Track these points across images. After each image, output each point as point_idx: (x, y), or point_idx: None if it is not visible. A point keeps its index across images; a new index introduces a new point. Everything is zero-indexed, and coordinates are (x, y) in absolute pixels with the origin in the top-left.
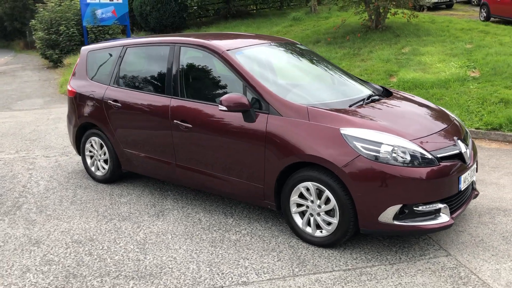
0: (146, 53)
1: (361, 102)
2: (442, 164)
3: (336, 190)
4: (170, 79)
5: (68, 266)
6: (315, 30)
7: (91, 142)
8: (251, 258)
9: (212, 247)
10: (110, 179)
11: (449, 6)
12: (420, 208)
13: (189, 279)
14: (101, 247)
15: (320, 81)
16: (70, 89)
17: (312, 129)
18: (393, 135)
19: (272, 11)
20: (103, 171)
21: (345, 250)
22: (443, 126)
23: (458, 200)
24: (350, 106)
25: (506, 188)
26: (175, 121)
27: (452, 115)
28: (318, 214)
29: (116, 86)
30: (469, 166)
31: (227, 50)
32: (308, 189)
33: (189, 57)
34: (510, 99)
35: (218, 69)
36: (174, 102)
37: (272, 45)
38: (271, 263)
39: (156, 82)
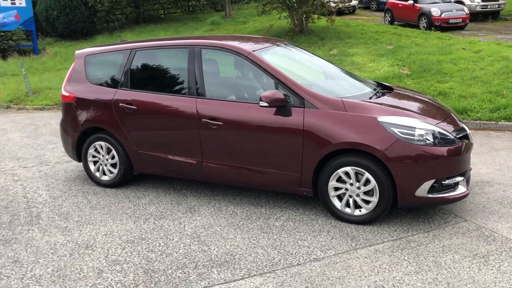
0: (160, 56)
1: (378, 95)
2: (460, 143)
3: (376, 172)
4: (193, 80)
5: (138, 264)
6: (239, 34)
7: (95, 147)
8: (307, 239)
9: (264, 233)
10: (120, 182)
11: (352, 12)
12: (446, 181)
13: (266, 261)
14: (158, 244)
15: (331, 78)
16: (67, 94)
17: (350, 119)
18: (421, 120)
19: (183, 16)
20: (110, 175)
21: (381, 225)
22: (448, 112)
23: (467, 173)
24: (370, 98)
25: (477, 165)
26: (203, 119)
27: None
28: (358, 195)
29: (127, 89)
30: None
31: (253, 51)
32: (346, 173)
33: (210, 58)
34: (447, 91)
35: (243, 69)
36: (200, 102)
37: (282, 45)
38: (328, 241)
39: (176, 84)
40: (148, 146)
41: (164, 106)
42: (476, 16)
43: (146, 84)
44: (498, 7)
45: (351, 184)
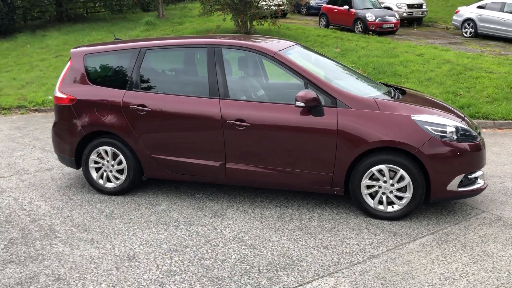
0: (174, 55)
1: (397, 95)
2: (479, 139)
3: (410, 169)
4: (215, 80)
5: (198, 272)
6: (179, 35)
7: (98, 152)
8: (352, 237)
9: (307, 234)
10: (127, 189)
11: (284, 15)
12: (471, 176)
13: (326, 261)
14: (205, 251)
15: (349, 78)
16: (63, 96)
17: (385, 118)
18: (449, 118)
19: (108, 15)
20: (117, 182)
21: (412, 220)
22: (460, 113)
23: None
24: (392, 98)
25: None
26: (228, 121)
27: None
28: (391, 192)
29: (138, 90)
30: None
31: (279, 51)
32: (380, 171)
33: (232, 58)
34: None
35: (266, 69)
36: (224, 103)
37: (300, 46)
38: (373, 238)
39: (194, 85)
40: (163, 149)
41: (183, 108)
42: (403, 22)
43: (160, 85)
44: (422, 14)
45: (385, 182)
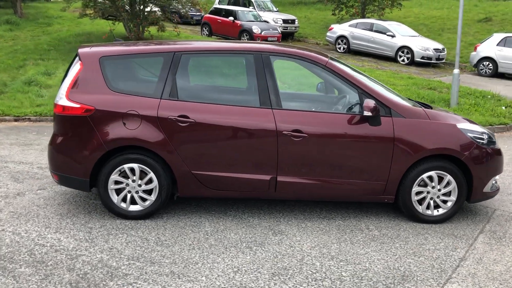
0: (216, 62)
1: (427, 107)
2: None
3: (457, 174)
4: (265, 89)
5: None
6: (56, 37)
7: (121, 170)
8: (424, 243)
9: (383, 244)
10: (156, 211)
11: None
12: (496, 177)
13: (433, 269)
14: (309, 271)
15: (380, 89)
16: (75, 105)
17: (436, 127)
18: (480, 126)
19: None
20: (144, 204)
21: (453, 222)
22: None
23: None
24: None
25: None
26: (284, 132)
27: None
28: (438, 197)
29: (175, 99)
30: None
31: (330, 60)
32: (429, 177)
33: (280, 67)
34: None
35: (317, 78)
36: (279, 113)
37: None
38: (443, 242)
39: (241, 93)
40: (206, 165)
41: (232, 118)
42: None
43: (201, 94)
44: (295, 29)
45: (433, 187)
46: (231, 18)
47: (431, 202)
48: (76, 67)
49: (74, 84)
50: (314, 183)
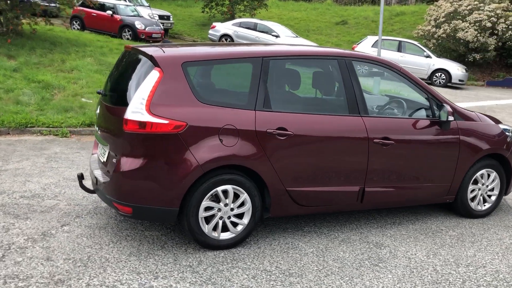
0: (302, 67)
1: None
2: None
3: (500, 170)
4: (352, 96)
5: None
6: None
7: (213, 194)
8: (493, 238)
9: (463, 247)
10: (247, 236)
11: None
12: None
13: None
14: (459, 279)
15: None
16: (162, 121)
17: (488, 128)
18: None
19: None
20: (236, 230)
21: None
22: None
23: None
24: None
25: None
26: (375, 140)
27: None
28: (486, 192)
29: (269, 110)
30: None
31: (402, 66)
32: (481, 175)
33: (360, 72)
34: None
35: (395, 83)
36: (368, 120)
37: None
38: (500, 235)
39: (332, 101)
40: (301, 180)
41: (327, 129)
42: None
43: (293, 103)
44: (170, 26)
45: (483, 184)
46: (109, 12)
47: (481, 198)
48: (153, 75)
49: (155, 95)
50: (395, 191)
